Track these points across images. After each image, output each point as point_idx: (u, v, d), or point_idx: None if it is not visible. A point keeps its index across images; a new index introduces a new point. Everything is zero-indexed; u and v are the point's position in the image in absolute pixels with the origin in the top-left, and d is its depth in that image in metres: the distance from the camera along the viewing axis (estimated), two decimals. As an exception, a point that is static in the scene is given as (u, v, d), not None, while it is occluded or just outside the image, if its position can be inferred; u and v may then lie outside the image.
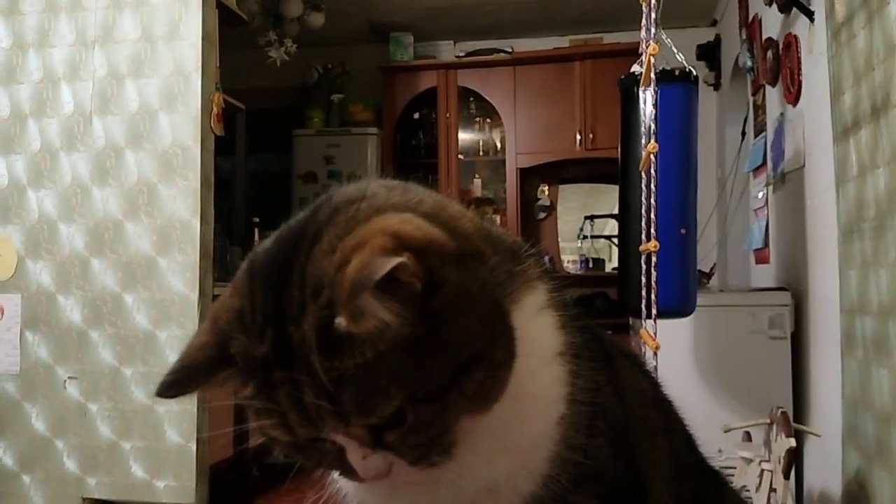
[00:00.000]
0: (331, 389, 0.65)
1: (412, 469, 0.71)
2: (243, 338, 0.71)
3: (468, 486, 0.77)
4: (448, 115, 5.51)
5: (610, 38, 5.43)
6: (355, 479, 0.73)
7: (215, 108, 2.95)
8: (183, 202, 2.87)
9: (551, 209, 5.73)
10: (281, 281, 0.70)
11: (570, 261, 5.71)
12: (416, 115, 5.72)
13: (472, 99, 5.64)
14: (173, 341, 2.84)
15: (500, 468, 0.77)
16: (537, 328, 0.79)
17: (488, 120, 5.70)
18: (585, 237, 5.71)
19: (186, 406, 2.82)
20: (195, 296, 2.83)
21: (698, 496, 0.95)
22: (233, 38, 3.43)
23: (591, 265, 5.60)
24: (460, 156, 5.62)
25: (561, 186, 5.76)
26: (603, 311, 4.92)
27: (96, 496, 2.89)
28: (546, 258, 5.49)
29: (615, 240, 5.43)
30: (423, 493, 0.79)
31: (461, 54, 5.64)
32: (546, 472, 0.77)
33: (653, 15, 2.41)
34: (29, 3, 3.04)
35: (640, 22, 2.66)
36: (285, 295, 0.69)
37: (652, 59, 2.36)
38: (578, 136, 5.26)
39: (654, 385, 0.98)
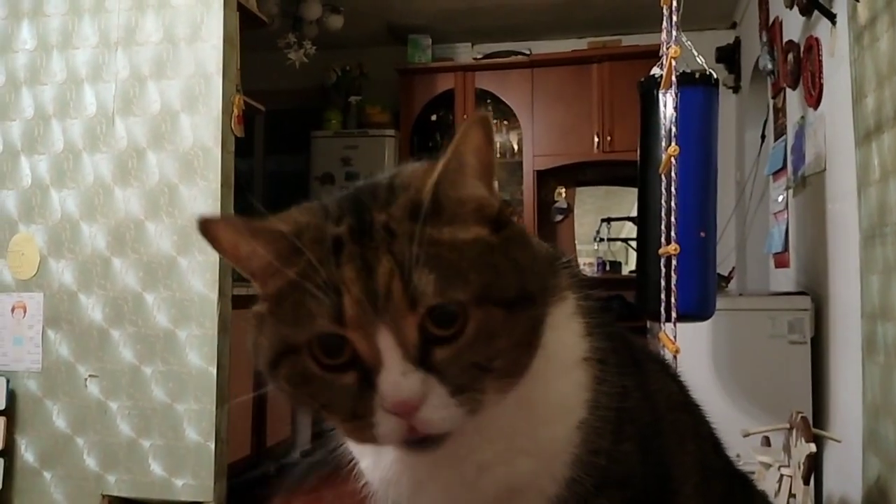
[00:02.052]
0: (415, 260, 0.67)
1: (445, 405, 0.68)
2: (318, 222, 0.73)
3: (490, 485, 0.79)
4: (465, 117, 5.51)
5: (628, 41, 5.42)
6: (364, 435, 0.70)
7: (236, 110, 2.97)
8: (203, 203, 2.89)
9: (568, 211, 5.72)
10: (361, 198, 0.75)
11: (586, 263, 5.70)
12: (434, 117, 5.73)
13: (489, 101, 5.64)
14: (193, 341, 2.86)
15: (522, 469, 0.78)
16: (562, 335, 0.80)
17: (505, 122, 5.70)
18: (602, 240, 5.69)
19: (206, 405, 2.84)
20: (215, 296, 2.85)
21: (726, 500, 0.95)
22: (252, 40, 3.45)
23: (607, 268, 5.59)
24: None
25: (578, 189, 5.75)
26: (620, 314, 4.89)
27: (116, 493, 2.92)
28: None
29: (632, 242, 5.41)
30: (447, 491, 0.80)
31: (479, 56, 5.65)
32: (569, 475, 0.78)
33: (674, 18, 2.40)
34: (53, 5, 3.08)
35: (659, 24, 2.66)
36: (369, 195, 0.74)
37: (673, 63, 2.35)
38: (596, 139, 5.25)
39: (682, 389, 0.98)
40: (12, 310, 3.04)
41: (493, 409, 0.75)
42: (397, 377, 0.67)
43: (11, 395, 2.99)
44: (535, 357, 0.75)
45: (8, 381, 2.99)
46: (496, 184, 0.79)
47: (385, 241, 0.69)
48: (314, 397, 0.71)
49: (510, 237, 0.74)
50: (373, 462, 0.86)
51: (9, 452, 2.98)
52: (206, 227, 0.74)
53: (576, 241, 5.72)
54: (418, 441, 0.70)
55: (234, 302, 2.96)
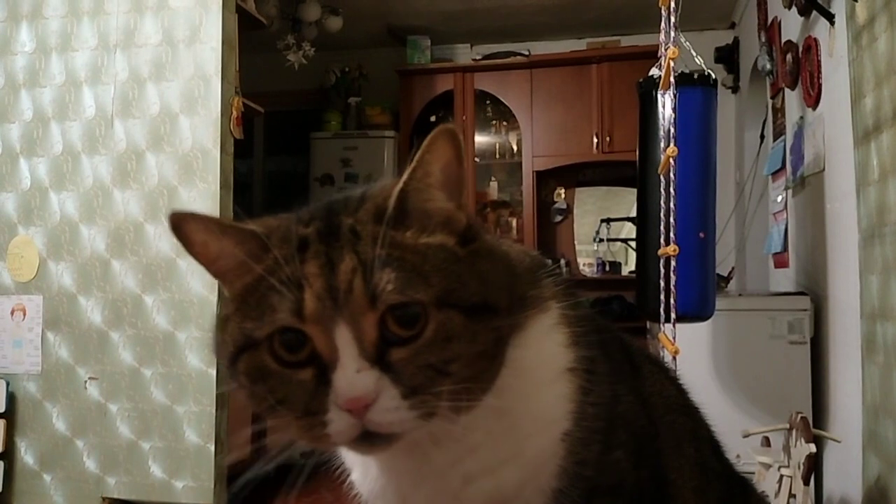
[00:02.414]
0: (378, 259, 0.69)
1: (397, 406, 0.68)
2: (288, 225, 0.75)
3: (476, 497, 0.78)
4: (465, 118, 5.52)
5: (627, 41, 5.42)
6: (315, 433, 0.69)
7: (235, 112, 2.98)
8: (202, 205, 2.89)
9: (568, 212, 5.72)
10: (333, 206, 0.77)
11: (586, 264, 5.70)
12: (433, 118, 5.73)
13: (488, 102, 5.65)
14: (192, 342, 2.86)
15: (507, 480, 0.78)
16: (543, 347, 0.80)
17: (505, 123, 5.70)
18: (602, 240, 5.69)
19: (205, 407, 2.84)
20: (214, 297, 2.85)
21: (726, 503, 0.94)
22: (251, 41, 3.46)
23: (607, 268, 5.59)
24: (476, 159, 5.63)
25: (577, 189, 5.75)
26: (619, 315, 4.91)
27: (116, 496, 2.92)
28: (563, 261, 5.49)
29: (632, 243, 5.42)
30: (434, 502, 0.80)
31: (478, 57, 5.65)
32: (556, 486, 0.78)
33: (672, 19, 2.40)
34: (52, 7, 3.08)
35: (658, 25, 2.66)
36: (341, 203, 0.76)
37: (672, 63, 2.35)
38: (595, 140, 5.25)
39: (681, 392, 0.98)
40: (12, 312, 3.04)
41: (476, 421, 0.75)
42: (352, 373, 0.68)
43: (11, 398, 2.99)
44: (501, 371, 0.75)
45: (8, 384, 2.99)
46: (467, 197, 0.78)
47: (350, 241, 0.71)
48: (271, 393, 0.71)
49: (477, 251, 0.75)
50: (361, 475, 0.87)
51: (9, 455, 2.99)
52: (177, 224, 0.75)
53: (575, 242, 5.72)
54: (366, 436, 0.69)
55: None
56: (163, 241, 2.92)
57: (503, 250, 0.82)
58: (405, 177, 0.74)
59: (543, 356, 0.80)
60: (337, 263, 0.70)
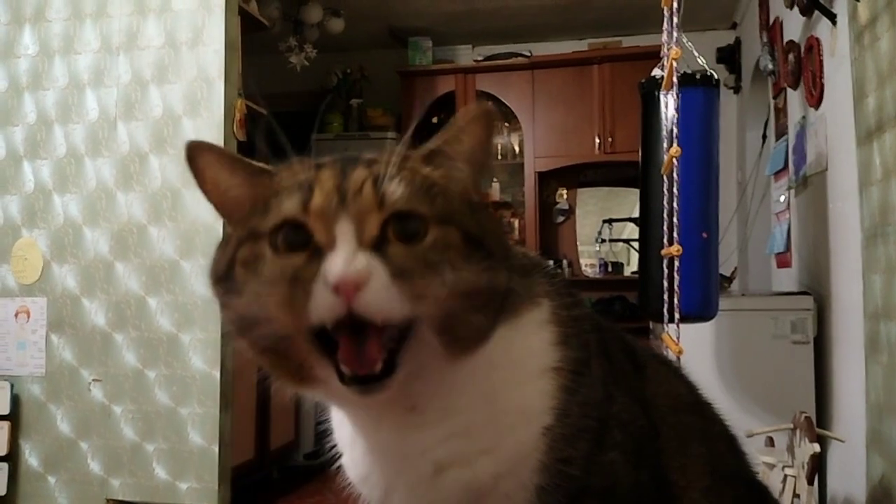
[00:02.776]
0: (390, 174, 0.73)
1: (387, 287, 0.67)
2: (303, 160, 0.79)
3: (453, 486, 0.78)
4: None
5: (629, 42, 5.42)
6: (296, 307, 0.68)
7: (238, 114, 2.98)
8: (206, 206, 2.84)
9: (570, 213, 5.72)
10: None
11: (588, 264, 5.70)
12: (435, 120, 5.73)
13: (490, 103, 5.64)
14: (196, 344, 2.87)
15: (483, 471, 0.78)
16: (530, 342, 0.81)
17: (506, 124, 5.70)
18: (604, 241, 5.69)
19: (209, 409, 2.84)
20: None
21: (739, 502, 0.94)
22: (253, 43, 3.46)
23: (609, 269, 5.58)
24: (479, 160, 5.62)
25: (579, 190, 5.75)
26: (622, 315, 4.90)
27: (120, 497, 2.92)
28: (565, 262, 5.49)
29: (634, 243, 5.41)
30: (413, 492, 0.80)
31: (479, 58, 5.65)
32: (538, 482, 0.78)
33: (674, 19, 2.41)
34: (55, 10, 3.09)
35: (659, 25, 2.66)
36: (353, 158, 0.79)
37: (674, 64, 2.35)
38: (597, 140, 5.25)
39: (691, 389, 0.97)
40: (16, 315, 3.05)
41: (457, 403, 0.77)
42: (346, 254, 0.68)
43: (15, 400, 3.00)
44: (490, 337, 0.76)
45: (12, 386, 2.99)
46: (493, 184, 0.81)
47: (366, 163, 0.76)
48: (260, 277, 0.71)
49: (483, 207, 0.81)
50: (350, 458, 0.87)
51: (13, 457, 2.99)
52: (192, 154, 0.79)
53: (578, 243, 5.72)
54: (362, 379, 0.69)
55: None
56: (166, 243, 2.93)
57: (503, 232, 0.85)
58: (435, 138, 0.79)
59: (529, 351, 0.80)
60: (350, 173, 0.74)
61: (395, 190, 0.72)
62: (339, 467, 0.90)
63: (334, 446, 0.90)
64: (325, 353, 0.71)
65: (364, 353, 0.70)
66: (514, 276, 0.78)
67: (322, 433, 0.94)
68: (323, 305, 0.67)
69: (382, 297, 0.67)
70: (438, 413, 0.78)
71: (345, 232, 0.70)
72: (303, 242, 0.71)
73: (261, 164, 0.79)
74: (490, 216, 0.82)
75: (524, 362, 0.80)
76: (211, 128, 2.91)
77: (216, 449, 2.83)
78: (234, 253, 0.75)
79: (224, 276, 0.75)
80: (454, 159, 0.79)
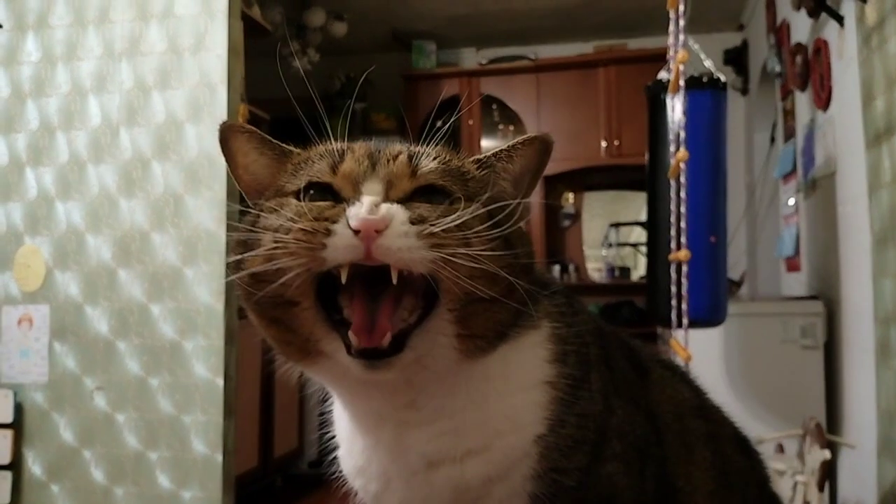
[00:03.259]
0: (426, 153, 0.76)
1: (406, 231, 0.68)
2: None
3: (444, 484, 0.79)
4: (471, 122, 5.50)
5: (634, 44, 5.40)
6: (314, 244, 0.68)
7: (241, 119, 2.96)
8: (209, 213, 2.87)
9: (576, 217, 5.69)
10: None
11: (595, 269, 5.66)
12: (439, 123, 5.70)
13: (494, 106, 5.63)
14: (199, 352, 2.85)
15: (472, 472, 0.79)
16: (525, 358, 0.81)
17: (511, 127, 5.68)
18: (611, 245, 5.66)
19: (213, 416, 2.82)
20: (221, 306, 2.84)
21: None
22: (256, 48, 3.45)
23: (616, 273, 5.55)
24: (483, 163, 5.60)
25: (586, 194, 5.72)
26: (630, 320, 4.87)
27: (123, 506, 2.90)
28: (571, 267, 5.46)
29: (641, 248, 5.38)
30: (409, 488, 0.82)
31: (484, 61, 5.64)
32: (532, 490, 0.79)
33: (681, 22, 2.38)
34: (57, 16, 3.08)
35: (665, 27, 2.64)
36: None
37: (681, 67, 2.33)
38: (604, 143, 5.22)
39: (697, 393, 0.97)
40: (18, 322, 3.03)
41: (452, 402, 0.78)
42: (370, 201, 0.70)
43: (18, 408, 2.98)
44: (507, 325, 0.77)
45: (15, 394, 2.98)
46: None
47: (404, 144, 0.79)
48: (283, 221, 0.71)
49: (517, 223, 0.81)
50: (347, 450, 0.87)
51: (16, 465, 2.97)
52: (225, 135, 0.82)
53: (584, 247, 5.69)
54: (369, 353, 0.69)
55: (241, 312, 2.95)
56: (169, 249, 2.91)
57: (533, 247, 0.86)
58: (490, 152, 0.82)
59: (523, 367, 0.81)
60: (385, 147, 0.77)
61: (429, 164, 0.75)
62: (335, 459, 0.91)
63: (332, 437, 0.91)
64: (333, 324, 0.72)
65: (376, 322, 0.70)
66: (532, 291, 0.79)
67: (323, 425, 0.95)
68: (342, 245, 0.68)
69: (401, 241, 0.68)
70: (433, 412, 0.79)
71: (372, 188, 0.72)
72: (329, 200, 0.74)
73: (287, 146, 0.82)
74: (523, 230, 0.83)
75: (517, 375, 0.81)
76: (214, 133, 2.85)
77: (220, 457, 2.81)
78: (261, 211, 0.76)
79: (244, 241, 0.76)
80: (500, 175, 0.81)
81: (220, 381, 2.82)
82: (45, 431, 2.98)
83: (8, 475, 2.94)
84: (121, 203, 2.97)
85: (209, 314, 2.85)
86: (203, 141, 2.90)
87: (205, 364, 2.84)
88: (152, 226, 2.93)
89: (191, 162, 2.91)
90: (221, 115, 2.88)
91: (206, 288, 2.86)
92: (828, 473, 2.36)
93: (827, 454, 2.35)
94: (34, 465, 2.98)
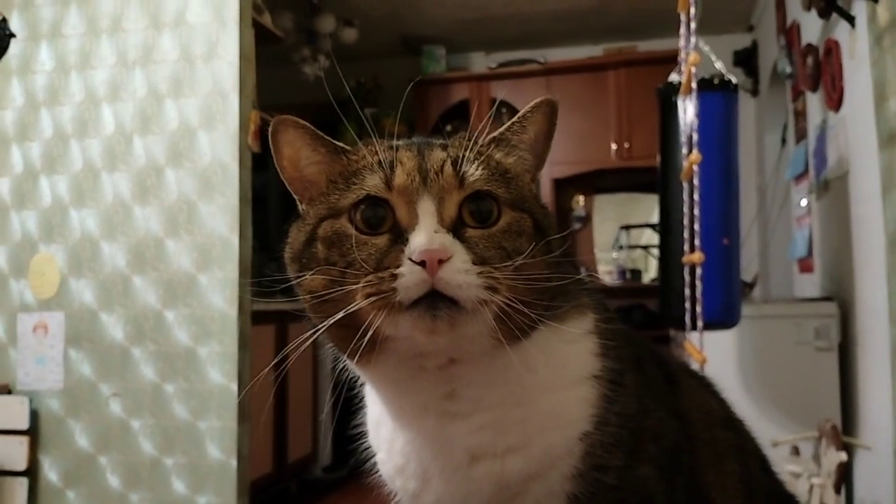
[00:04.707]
0: (467, 158, 0.78)
1: (467, 269, 0.71)
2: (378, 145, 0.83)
3: (484, 479, 0.79)
4: (481, 126, 5.49)
5: (644, 47, 5.39)
6: (383, 288, 0.71)
7: (253, 126, 2.98)
8: (222, 219, 2.89)
9: (587, 219, 5.68)
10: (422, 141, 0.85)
11: (606, 272, 5.65)
12: (449, 128, 5.72)
13: (504, 110, 5.62)
14: (214, 358, 2.86)
15: (512, 468, 0.78)
16: (574, 349, 0.82)
17: (522, 131, 5.67)
18: (622, 247, 5.65)
19: (227, 422, 2.83)
20: (234, 312, 2.85)
21: None
22: (267, 55, 3.46)
23: (628, 276, 5.54)
24: (493, 167, 5.60)
25: (596, 196, 5.71)
26: (642, 324, 4.86)
27: (139, 512, 2.92)
28: (583, 270, 5.45)
29: (652, 250, 5.37)
30: (448, 484, 0.82)
31: (493, 65, 5.64)
32: (570, 490, 0.78)
33: (692, 25, 2.38)
34: (71, 25, 3.10)
35: (675, 29, 2.64)
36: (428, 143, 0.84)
37: (692, 70, 2.33)
38: (614, 146, 5.22)
39: (724, 406, 0.97)
40: (34, 329, 3.05)
41: (494, 394, 0.79)
42: (430, 231, 0.73)
43: (34, 415, 3.00)
44: (540, 317, 0.78)
45: (30, 401, 2.99)
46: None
47: (441, 146, 0.81)
48: (343, 255, 0.75)
49: (545, 206, 0.86)
50: (386, 452, 0.88)
51: (32, 472, 2.99)
52: (277, 129, 0.84)
53: (595, 250, 5.68)
54: (435, 305, 0.71)
55: (254, 318, 2.96)
56: (183, 256, 2.92)
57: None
58: (502, 127, 0.84)
59: (570, 358, 0.82)
60: (428, 155, 0.79)
61: (474, 171, 0.77)
62: (372, 465, 0.92)
63: (367, 448, 0.93)
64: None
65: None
66: (566, 276, 0.80)
67: (349, 442, 0.97)
68: (412, 283, 0.71)
69: (463, 278, 0.71)
70: (472, 403, 0.80)
71: (426, 210, 0.74)
72: (382, 219, 0.76)
73: (340, 144, 0.84)
74: (549, 212, 0.86)
75: (564, 368, 0.81)
76: (226, 140, 2.91)
77: (234, 463, 2.82)
78: (314, 230, 0.79)
79: (300, 253, 0.80)
80: (519, 147, 0.85)
81: (235, 387, 2.83)
82: (61, 438, 3.00)
83: (24, 481, 2.96)
84: (135, 210, 2.99)
85: (223, 320, 2.87)
86: (216, 148, 2.91)
87: (219, 370, 2.85)
88: (166, 233, 2.95)
89: (204, 169, 2.93)
90: (234, 122, 2.90)
91: (220, 294, 2.87)
92: (844, 475, 2.34)
93: (843, 456, 2.33)
94: (50, 472, 3.00)
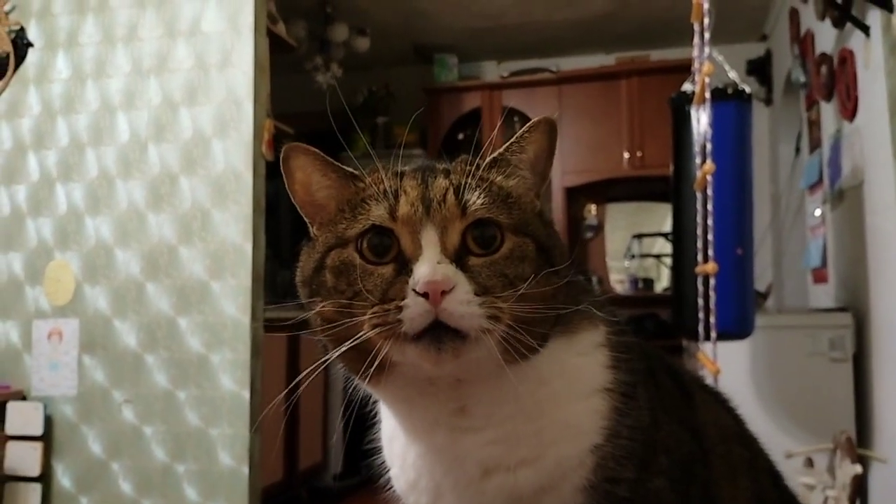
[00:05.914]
0: (469, 185, 0.79)
1: (469, 300, 0.73)
2: (383, 170, 0.84)
3: (496, 492, 0.80)
4: (493, 135, 5.50)
5: (657, 56, 5.38)
6: (388, 319, 0.73)
7: (266, 134, 2.99)
8: (235, 227, 2.90)
9: (599, 228, 5.67)
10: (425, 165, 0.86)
11: (618, 281, 5.63)
12: (461, 136, 5.73)
13: (516, 119, 5.63)
14: (226, 365, 2.87)
15: (524, 481, 0.79)
16: (586, 362, 0.83)
17: (533, 139, 5.66)
18: (633, 256, 5.63)
19: (239, 429, 2.84)
20: (247, 320, 2.86)
21: None
22: (279, 63, 3.48)
23: (640, 285, 5.51)
24: (505, 176, 5.60)
25: (608, 205, 5.70)
26: (654, 333, 4.83)
27: (151, 519, 2.92)
28: (595, 279, 5.44)
29: (665, 259, 5.35)
30: (461, 499, 0.83)
31: (505, 74, 5.65)
32: (582, 502, 0.79)
33: (706, 34, 2.38)
34: (87, 34, 3.13)
35: (688, 38, 2.64)
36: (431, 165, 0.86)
37: (706, 80, 2.32)
38: (626, 155, 5.21)
39: (738, 421, 0.96)
40: (48, 336, 3.07)
41: (505, 409, 0.79)
42: (433, 263, 0.74)
43: (48, 421, 3.02)
44: (547, 335, 0.80)
45: (45, 407, 3.01)
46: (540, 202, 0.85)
47: (444, 173, 0.82)
48: (350, 284, 0.77)
49: (549, 222, 0.86)
50: (399, 467, 0.89)
51: (46, 478, 3.00)
52: (287, 155, 0.85)
53: (607, 259, 5.66)
54: (435, 337, 0.73)
55: (267, 326, 2.97)
56: (196, 263, 2.94)
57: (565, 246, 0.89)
58: (502, 148, 0.84)
59: (581, 370, 0.82)
60: (432, 183, 0.80)
61: (476, 199, 0.78)
62: (388, 482, 0.93)
63: (382, 462, 0.94)
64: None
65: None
66: (572, 291, 0.81)
67: (364, 453, 0.98)
68: (416, 315, 0.73)
69: (465, 309, 0.73)
70: (484, 418, 0.80)
71: (430, 241, 0.76)
72: (387, 248, 0.77)
73: (350, 169, 0.85)
74: (555, 231, 0.86)
75: (576, 381, 0.82)
76: (240, 148, 2.92)
77: (246, 470, 2.82)
78: (323, 258, 0.81)
79: (310, 279, 0.82)
80: (519, 167, 0.85)
81: (247, 394, 2.83)
82: (74, 444, 3.01)
83: (38, 487, 2.97)
84: (149, 218, 3.01)
85: (236, 327, 2.87)
86: (230, 156, 2.93)
87: (231, 377, 2.86)
88: (180, 240, 2.97)
89: (217, 177, 2.94)
90: (248, 130, 2.92)
91: (233, 301, 2.88)
92: (859, 488, 2.33)
93: (858, 468, 2.31)
94: (63, 478, 3.01)
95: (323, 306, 0.78)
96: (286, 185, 0.86)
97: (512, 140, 0.85)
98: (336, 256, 0.80)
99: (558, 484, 0.78)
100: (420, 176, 0.81)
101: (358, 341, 0.75)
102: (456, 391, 0.80)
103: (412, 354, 0.74)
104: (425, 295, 0.72)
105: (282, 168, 0.86)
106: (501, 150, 0.85)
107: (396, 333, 0.73)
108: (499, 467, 0.79)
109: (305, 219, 0.87)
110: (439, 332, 0.73)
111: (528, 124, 0.85)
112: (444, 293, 0.72)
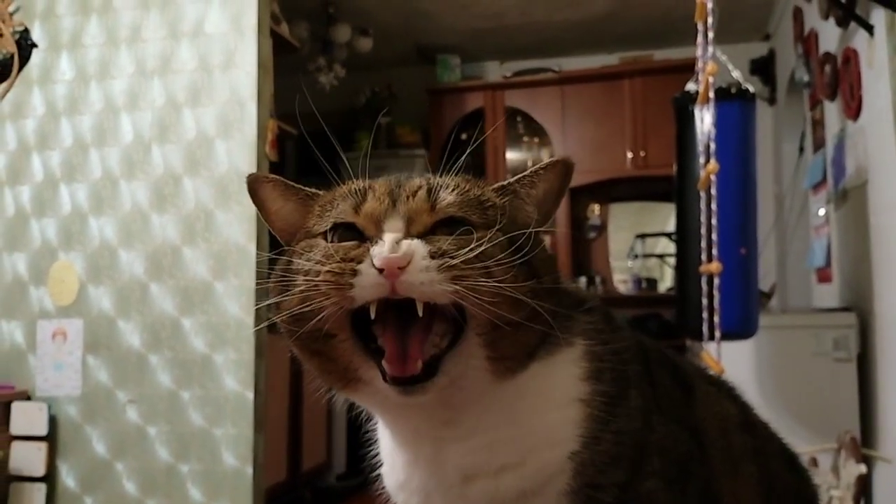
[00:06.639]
0: (444, 185, 0.78)
1: (427, 266, 0.71)
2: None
3: (480, 498, 0.81)
4: (496, 135, 5.50)
5: (660, 55, 5.38)
6: (341, 284, 0.72)
7: (270, 135, 3.00)
8: (239, 227, 2.90)
9: (602, 228, 5.66)
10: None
11: (621, 281, 5.62)
12: (464, 136, 5.72)
13: (519, 119, 5.63)
14: (230, 365, 2.87)
15: (506, 486, 0.80)
16: (559, 376, 0.83)
17: (536, 139, 5.68)
18: (637, 256, 5.62)
19: (243, 430, 2.84)
20: (251, 320, 2.86)
21: None
22: (282, 64, 3.48)
23: (643, 285, 5.51)
24: (508, 176, 5.59)
25: (612, 205, 5.70)
26: (657, 333, 4.83)
27: (155, 519, 2.92)
28: (598, 279, 5.44)
29: (668, 259, 5.35)
30: (447, 501, 0.83)
31: (508, 74, 5.65)
32: None
33: (710, 34, 2.37)
34: (91, 36, 3.14)
35: (691, 38, 2.64)
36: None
37: (710, 80, 2.32)
38: (629, 155, 5.20)
39: (743, 409, 0.97)
40: (53, 336, 3.08)
41: (487, 417, 0.80)
42: (392, 239, 0.73)
43: (52, 421, 3.02)
44: (534, 347, 0.80)
45: (49, 407, 3.02)
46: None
47: (424, 178, 0.82)
48: (312, 264, 0.76)
49: (539, 241, 0.83)
50: (389, 466, 0.90)
51: (50, 478, 3.01)
52: (253, 187, 0.86)
53: (610, 259, 5.66)
54: (406, 380, 0.73)
55: (270, 326, 2.97)
56: (200, 264, 2.94)
57: (558, 269, 0.87)
58: (513, 178, 0.84)
59: (557, 385, 0.82)
60: (405, 183, 0.80)
61: (447, 197, 0.77)
62: (378, 476, 0.94)
63: (376, 455, 0.95)
64: (369, 353, 0.76)
65: (407, 351, 0.74)
66: (559, 312, 0.80)
67: (362, 447, 0.99)
68: (368, 284, 0.72)
69: (423, 276, 0.71)
70: (470, 429, 0.81)
71: (393, 225, 0.75)
72: (353, 238, 0.77)
73: (311, 189, 0.86)
74: (545, 250, 0.85)
75: (551, 393, 0.82)
76: (243, 149, 2.93)
77: (250, 470, 2.83)
78: (292, 253, 0.81)
79: (280, 283, 0.81)
80: (524, 200, 0.83)
81: (251, 395, 2.84)
82: (79, 444, 3.02)
83: (42, 487, 2.98)
84: (152, 218, 3.02)
85: (239, 328, 2.88)
86: (233, 157, 2.93)
87: (235, 377, 2.86)
88: (183, 240, 2.97)
89: (221, 177, 2.95)
90: (251, 131, 2.92)
91: (236, 302, 2.88)
92: (863, 488, 2.32)
93: (862, 468, 2.31)
94: (68, 478, 3.02)
95: (291, 296, 0.77)
96: (263, 218, 0.88)
97: (524, 174, 0.84)
98: (304, 243, 0.81)
99: (542, 489, 0.79)
100: (395, 179, 0.82)
101: (312, 307, 0.74)
102: (444, 405, 0.80)
103: (381, 387, 0.75)
104: (381, 271, 0.71)
105: (253, 201, 0.87)
106: (512, 180, 0.84)
107: (344, 296, 0.72)
108: (479, 473, 0.81)
109: (284, 243, 0.88)
110: (405, 380, 0.73)
111: (545, 161, 0.84)
112: (401, 269, 0.71)
